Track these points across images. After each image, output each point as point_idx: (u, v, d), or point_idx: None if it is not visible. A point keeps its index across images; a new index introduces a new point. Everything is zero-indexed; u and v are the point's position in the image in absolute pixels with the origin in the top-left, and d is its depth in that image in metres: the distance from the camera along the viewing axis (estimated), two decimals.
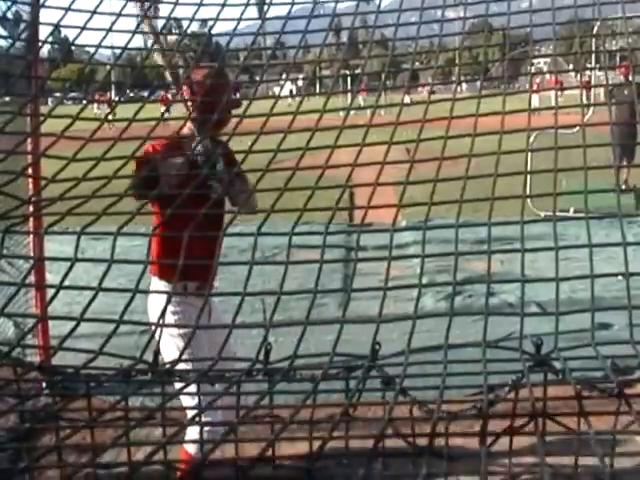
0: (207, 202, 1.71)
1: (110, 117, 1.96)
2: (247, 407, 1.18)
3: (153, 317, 2.97)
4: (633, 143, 9.89)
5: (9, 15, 2.19)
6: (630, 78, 10.44)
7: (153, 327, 1.40)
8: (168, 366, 1.30)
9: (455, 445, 1.10)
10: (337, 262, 6.51)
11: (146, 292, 1.41)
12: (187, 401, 1.55)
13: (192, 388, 1.25)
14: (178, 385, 1.27)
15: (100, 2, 2.11)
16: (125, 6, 2.15)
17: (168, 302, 1.49)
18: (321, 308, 5.64)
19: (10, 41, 2.14)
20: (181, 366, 1.35)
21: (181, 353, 1.37)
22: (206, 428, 1.58)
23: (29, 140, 2.68)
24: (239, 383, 1.23)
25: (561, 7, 2.05)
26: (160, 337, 1.34)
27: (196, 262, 1.53)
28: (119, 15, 2.09)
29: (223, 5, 2.16)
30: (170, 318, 2.94)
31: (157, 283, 3.06)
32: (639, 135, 10.25)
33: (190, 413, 1.43)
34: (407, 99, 2.09)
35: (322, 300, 5.72)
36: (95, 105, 15.28)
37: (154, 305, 3.01)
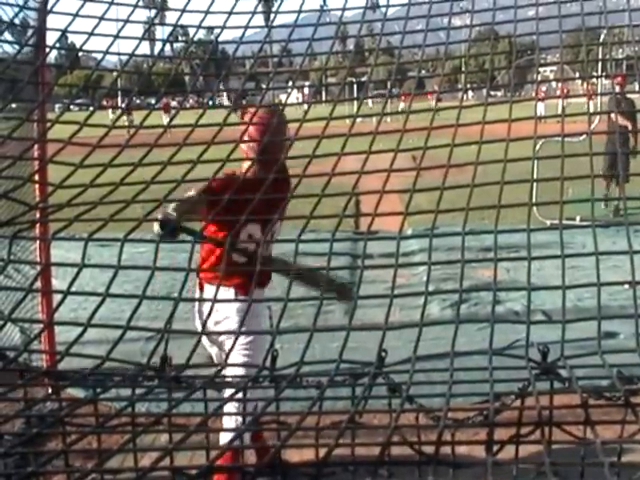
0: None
1: (127, 123, 1.97)
2: (253, 414, 1.18)
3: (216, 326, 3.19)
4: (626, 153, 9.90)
5: (16, 21, 2.20)
6: (625, 89, 10.35)
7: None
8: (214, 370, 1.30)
9: (461, 453, 1.10)
10: (343, 269, 6.51)
11: (153, 298, 1.42)
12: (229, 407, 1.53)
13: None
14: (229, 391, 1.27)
15: (107, 9, 2.12)
16: (132, 13, 2.16)
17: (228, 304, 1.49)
18: (327, 315, 5.64)
19: (17, 47, 2.15)
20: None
21: (268, 351, 1.33)
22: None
23: (36, 146, 2.69)
24: (245, 389, 1.23)
25: (567, 15, 2.05)
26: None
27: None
28: (126, 21, 2.10)
29: (230, 13, 2.17)
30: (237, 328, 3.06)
31: (226, 294, 3.20)
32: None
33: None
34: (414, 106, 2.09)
35: (328, 307, 5.71)
36: (110, 111, 15.36)
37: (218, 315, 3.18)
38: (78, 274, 1.43)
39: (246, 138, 3.04)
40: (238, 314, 3.17)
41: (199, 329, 2.93)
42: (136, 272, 1.49)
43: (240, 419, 1.30)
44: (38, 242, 3.57)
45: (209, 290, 3.26)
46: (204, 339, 3.19)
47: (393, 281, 1.38)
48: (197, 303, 3.32)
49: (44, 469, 1.06)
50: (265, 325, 3.19)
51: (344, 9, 2.29)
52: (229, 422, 2.45)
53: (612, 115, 9.61)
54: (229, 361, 1.39)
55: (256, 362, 1.34)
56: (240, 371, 2.26)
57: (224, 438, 2.33)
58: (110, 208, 1.55)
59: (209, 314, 1.49)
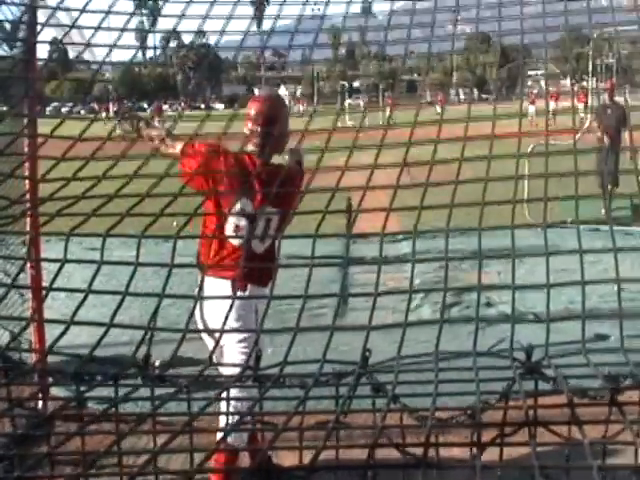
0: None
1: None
2: (238, 413, 1.18)
3: (213, 319, 2.84)
4: (616, 157, 9.98)
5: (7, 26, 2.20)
6: (614, 97, 10.38)
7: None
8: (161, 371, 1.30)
9: (446, 453, 1.09)
10: (333, 266, 6.50)
11: (136, 295, 1.40)
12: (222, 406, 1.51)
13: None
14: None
15: (102, 20, 2.11)
16: (128, 21, 2.16)
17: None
18: (319, 318, 5.63)
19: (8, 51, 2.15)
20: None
21: (249, 355, 1.33)
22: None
23: (25, 144, 2.68)
24: (229, 389, 1.23)
25: (553, 28, 2.06)
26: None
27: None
28: (122, 30, 2.10)
29: (228, 18, 2.17)
30: (234, 324, 2.81)
31: (216, 282, 2.95)
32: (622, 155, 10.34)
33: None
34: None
35: (320, 310, 5.70)
36: (104, 115, 15.38)
37: (215, 307, 2.87)
38: (60, 269, 1.42)
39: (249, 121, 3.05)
40: (233, 310, 2.97)
41: (199, 323, 2.87)
42: (126, 278, 1.47)
43: (230, 419, 1.30)
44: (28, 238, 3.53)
45: (207, 282, 2.97)
46: (203, 334, 3.05)
47: (377, 278, 1.37)
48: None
49: (30, 474, 1.05)
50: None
51: (336, 16, 2.29)
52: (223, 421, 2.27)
53: (595, 126, 9.66)
54: (226, 359, 1.37)
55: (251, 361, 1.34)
56: (230, 370, 2.21)
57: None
58: (93, 203, 1.53)
59: (201, 308, 1.48)
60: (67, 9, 2.04)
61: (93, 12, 2.03)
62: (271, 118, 3.00)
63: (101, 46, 2.00)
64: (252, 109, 3.07)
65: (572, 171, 1.59)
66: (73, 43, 2.03)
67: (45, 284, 4.36)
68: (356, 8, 2.35)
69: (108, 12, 2.11)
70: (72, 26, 2.01)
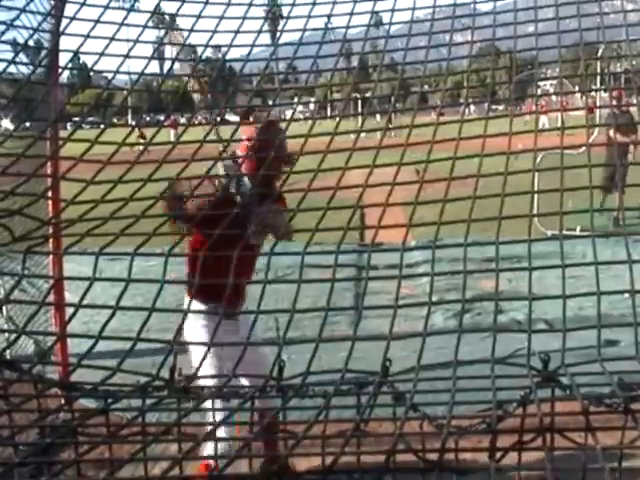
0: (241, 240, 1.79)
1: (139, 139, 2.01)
2: (261, 422, 1.21)
3: (189, 339, 3.11)
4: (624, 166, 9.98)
5: (30, 43, 2.26)
6: (622, 105, 10.40)
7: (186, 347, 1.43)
8: (186, 383, 1.33)
9: (464, 460, 1.12)
10: (348, 280, 6.53)
11: (162, 310, 1.45)
12: (204, 417, 1.56)
13: (209, 404, 1.28)
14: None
15: (118, 30, 2.17)
16: (142, 33, 2.21)
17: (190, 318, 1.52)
18: (333, 326, 5.66)
19: (31, 68, 2.21)
20: (207, 383, 1.38)
21: (197, 368, 1.39)
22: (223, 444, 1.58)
23: (49, 164, 2.74)
24: (253, 399, 1.26)
25: (566, 30, 2.09)
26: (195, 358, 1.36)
27: (219, 281, 1.58)
28: (136, 42, 2.16)
29: (237, 32, 2.22)
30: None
31: (194, 305, 3.13)
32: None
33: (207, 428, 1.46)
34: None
35: (334, 318, 5.73)
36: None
37: (190, 327, 3.16)
38: (89, 288, 1.46)
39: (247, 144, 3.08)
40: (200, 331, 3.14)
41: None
42: (147, 285, 1.53)
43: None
44: (51, 256, 3.60)
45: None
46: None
47: (397, 292, 1.40)
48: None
49: (57, 479, 1.09)
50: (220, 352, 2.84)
51: (348, 27, 2.33)
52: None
53: (610, 132, 9.68)
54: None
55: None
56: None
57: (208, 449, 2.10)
58: (121, 223, 1.58)
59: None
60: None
61: (120, 40, 2.09)
62: (270, 146, 2.95)
63: (117, 56, 2.06)
64: (251, 135, 3.10)
65: (584, 180, 1.62)
66: (90, 53, 2.08)
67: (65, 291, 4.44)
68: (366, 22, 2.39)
69: (122, 24, 2.17)
70: (87, 35, 2.07)
